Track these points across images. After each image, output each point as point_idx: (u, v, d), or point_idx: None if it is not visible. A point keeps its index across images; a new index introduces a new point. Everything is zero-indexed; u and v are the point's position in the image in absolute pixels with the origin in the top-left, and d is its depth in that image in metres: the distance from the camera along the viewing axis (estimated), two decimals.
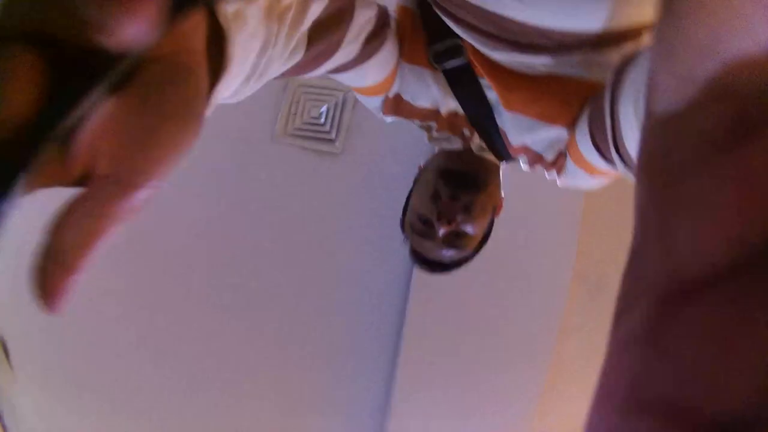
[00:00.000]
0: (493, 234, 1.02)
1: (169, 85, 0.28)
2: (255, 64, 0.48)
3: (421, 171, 1.00)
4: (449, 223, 0.87)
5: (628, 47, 0.69)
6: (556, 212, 2.27)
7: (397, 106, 0.88)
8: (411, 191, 1.01)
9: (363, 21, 0.68)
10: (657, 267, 0.26)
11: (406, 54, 0.82)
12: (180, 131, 0.29)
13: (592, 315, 2.41)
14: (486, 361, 2.32)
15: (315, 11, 0.55)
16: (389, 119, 0.94)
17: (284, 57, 0.54)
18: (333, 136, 2.41)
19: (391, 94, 0.86)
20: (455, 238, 0.90)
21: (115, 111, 0.27)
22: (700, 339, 0.21)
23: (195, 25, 0.32)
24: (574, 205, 2.26)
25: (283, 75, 0.59)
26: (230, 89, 0.45)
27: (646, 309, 0.25)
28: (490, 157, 0.94)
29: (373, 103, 0.90)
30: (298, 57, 0.57)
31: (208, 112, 0.37)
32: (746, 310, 0.21)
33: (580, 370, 2.40)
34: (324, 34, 0.60)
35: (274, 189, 2.46)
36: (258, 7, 0.44)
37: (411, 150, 2.29)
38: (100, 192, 0.28)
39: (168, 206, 2.65)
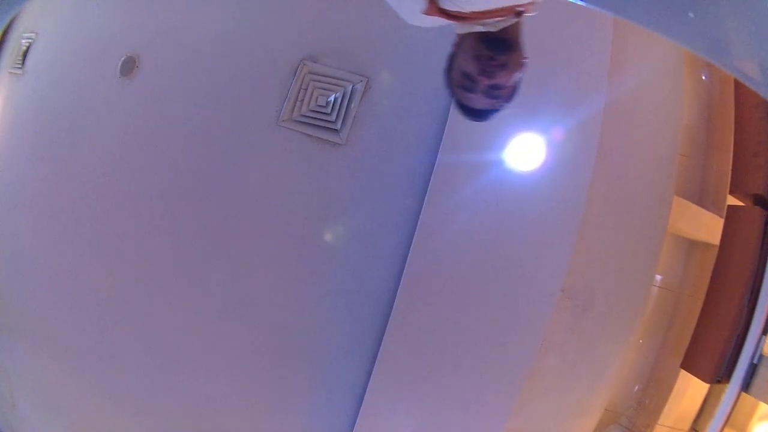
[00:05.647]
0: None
1: None
2: None
3: (462, 37, 1.13)
4: (489, 78, 1.08)
5: None
6: (552, 223, 2.26)
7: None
8: (453, 54, 1.17)
9: None
10: None
11: None
12: None
13: (576, 333, 2.42)
14: (464, 366, 2.32)
15: None
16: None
17: None
18: (338, 126, 2.39)
19: None
20: (494, 90, 1.11)
21: None
22: None
23: None
24: (571, 218, 2.25)
25: None
26: None
27: None
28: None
29: None
30: None
31: None
32: None
33: (555, 386, 2.41)
34: None
35: (271, 171, 2.45)
36: None
37: (411, 150, 2.28)
38: None
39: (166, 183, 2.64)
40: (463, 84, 1.13)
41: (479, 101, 1.14)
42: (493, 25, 1.05)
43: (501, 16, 1.02)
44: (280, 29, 2.53)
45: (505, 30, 1.05)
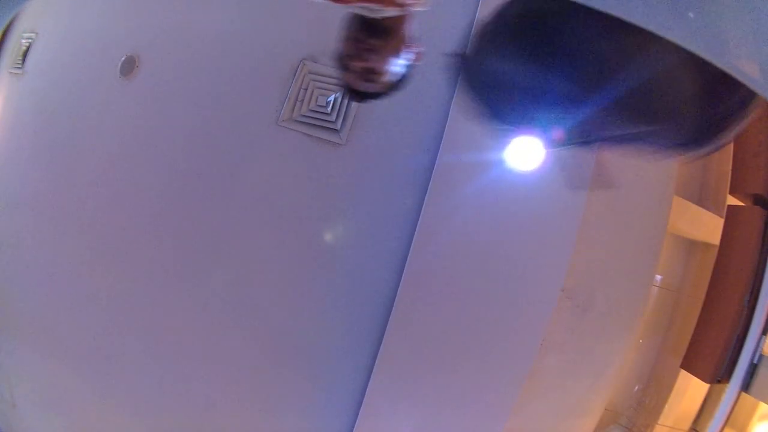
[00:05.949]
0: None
1: None
2: None
3: (348, 18, 1.17)
4: (361, 60, 1.11)
5: None
6: (552, 223, 2.26)
7: None
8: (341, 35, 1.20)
9: None
10: None
11: None
12: None
13: (576, 333, 2.42)
14: (464, 366, 2.32)
15: None
16: None
17: None
18: (338, 126, 2.39)
19: None
20: (370, 74, 1.14)
21: None
22: None
23: None
24: (571, 218, 2.25)
25: None
26: None
27: None
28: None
29: None
30: None
31: None
32: None
33: (555, 386, 2.41)
34: None
35: (271, 171, 2.45)
36: None
37: (411, 150, 2.28)
38: None
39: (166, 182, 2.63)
40: (340, 64, 1.16)
41: (356, 83, 1.18)
42: (374, 11, 1.05)
43: (382, 5, 1.02)
44: (280, 29, 2.54)
45: (387, 17, 1.06)
